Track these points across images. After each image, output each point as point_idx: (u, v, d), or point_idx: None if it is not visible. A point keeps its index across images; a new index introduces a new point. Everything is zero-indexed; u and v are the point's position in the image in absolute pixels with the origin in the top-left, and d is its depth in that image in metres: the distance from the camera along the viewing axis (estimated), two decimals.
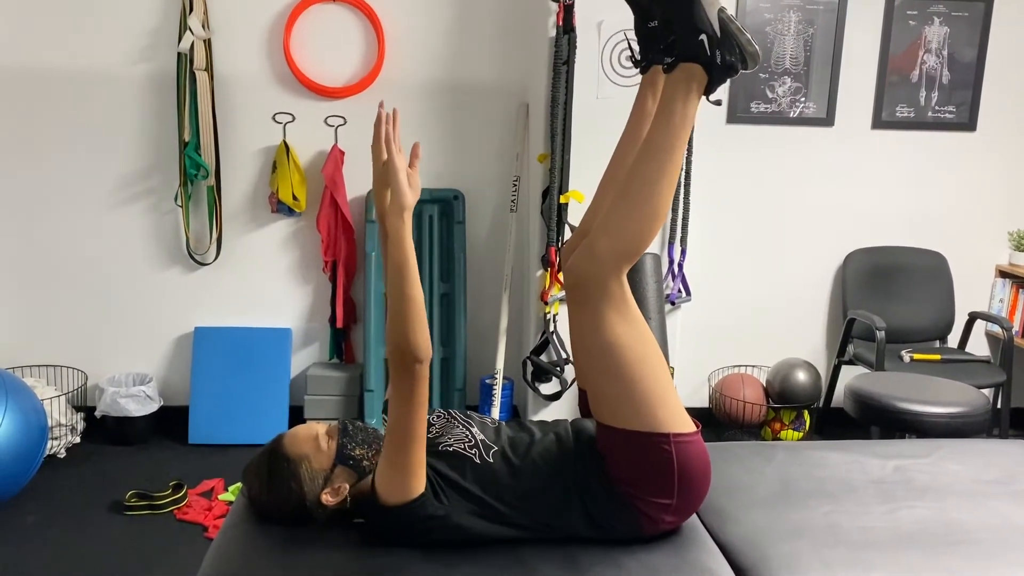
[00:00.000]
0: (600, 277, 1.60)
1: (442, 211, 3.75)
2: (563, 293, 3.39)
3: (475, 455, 1.66)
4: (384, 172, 1.75)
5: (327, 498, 1.63)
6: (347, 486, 1.64)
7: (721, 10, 1.59)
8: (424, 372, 1.51)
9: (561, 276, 3.34)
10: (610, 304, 1.61)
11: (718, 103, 1.67)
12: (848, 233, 3.93)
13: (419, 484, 1.56)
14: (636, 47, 1.70)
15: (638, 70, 1.72)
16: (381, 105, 1.71)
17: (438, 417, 1.80)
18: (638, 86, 3.46)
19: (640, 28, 1.68)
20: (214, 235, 3.65)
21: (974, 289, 4.05)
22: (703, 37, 1.57)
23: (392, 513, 1.57)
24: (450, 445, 1.69)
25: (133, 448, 3.56)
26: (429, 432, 1.72)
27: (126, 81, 3.54)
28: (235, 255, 3.71)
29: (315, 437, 1.66)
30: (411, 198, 1.59)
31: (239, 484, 3.21)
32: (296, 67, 3.56)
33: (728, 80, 1.63)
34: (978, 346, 4.07)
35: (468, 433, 1.72)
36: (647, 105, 1.81)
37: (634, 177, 1.61)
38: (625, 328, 1.62)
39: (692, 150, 3.59)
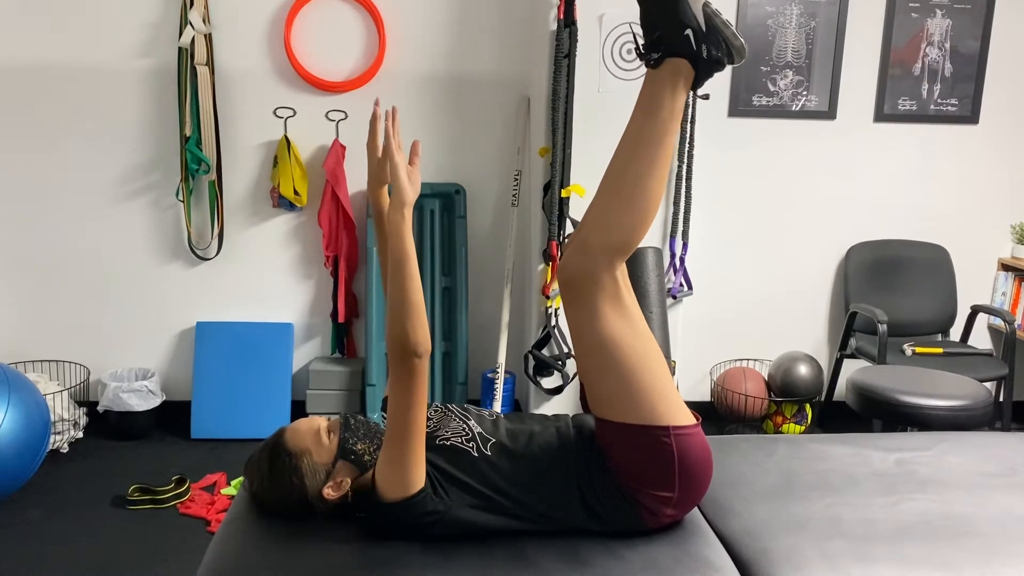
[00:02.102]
0: (593, 272, 1.60)
1: (443, 205, 3.75)
2: (558, 288, 3.38)
3: (472, 448, 1.67)
4: (380, 169, 1.77)
5: (328, 492, 1.63)
6: (348, 480, 1.65)
7: (706, 4, 1.58)
8: (424, 367, 1.51)
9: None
10: (604, 299, 1.61)
11: (706, 98, 1.67)
12: (850, 226, 3.92)
13: (419, 479, 1.57)
14: (641, 39, 1.69)
15: (642, 62, 1.71)
16: (376, 103, 1.72)
17: (435, 411, 1.80)
18: (639, 80, 3.47)
19: (644, 21, 1.67)
20: (215, 230, 3.65)
21: (976, 282, 4.04)
22: (688, 32, 1.57)
23: (393, 509, 1.57)
24: (447, 439, 1.69)
25: (135, 443, 3.57)
26: (426, 427, 1.72)
27: (127, 76, 3.54)
28: (237, 250, 3.71)
29: (316, 431, 1.66)
30: (411, 194, 1.59)
31: (241, 478, 3.21)
32: (297, 62, 3.55)
33: (715, 74, 1.63)
34: (980, 339, 4.07)
35: (465, 426, 1.72)
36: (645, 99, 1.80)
37: (625, 172, 1.61)
38: (621, 323, 1.62)
39: (694, 144, 3.58)
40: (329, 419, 1.71)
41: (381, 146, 1.75)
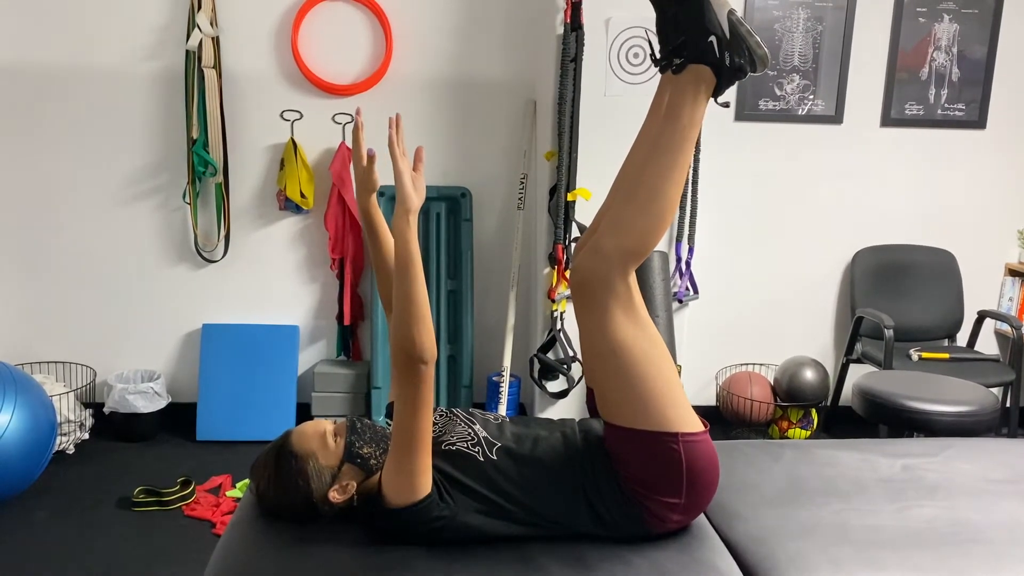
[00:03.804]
0: (606, 276, 1.60)
1: (449, 209, 3.75)
2: (570, 291, 3.38)
3: (478, 452, 1.66)
4: (366, 178, 1.76)
5: (334, 496, 1.63)
6: (354, 484, 1.64)
7: (731, 12, 1.58)
8: (429, 374, 1.51)
9: (568, 275, 3.33)
10: (617, 304, 1.61)
11: (726, 105, 1.66)
12: (856, 231, 3.92)
13: (425, 486, 1.56)
14: (657, 45, 1.69)
15: (657, 69, 1.71)
16: (358, 113, 1.72)
17: (440, 416, 1.80)
18: (646, 84, 3.47)
19: (661, 26, 1.67)
20: (222, 232, 3.66)
21: (983, 287, 4.03)
22: (712, 39, 1.57)
23: (399, 515, 1.57)
24: (453, 444, 1.68)
25: (141, 444, 3.58)
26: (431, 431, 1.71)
27: (135, 78, 3.55)
28: (243, 252, 3.72)
29: (323, 434, 1.66)
30: (416, 201, 1.59)
31: (247, 480, 3.21)
32: (304, 65, 3.56)
33: (736, 82, 1.63)
34: (987, 345, 4.06)
35: (471, 431, 1.71)
36: (665, 104, 1.79)
37: (642, 178, 1.61)
38: (632, 328, 1.62)
39: (700, 148, 3.58)
40: (335, 422, 1.71)
41: (365, 155, 1.74)
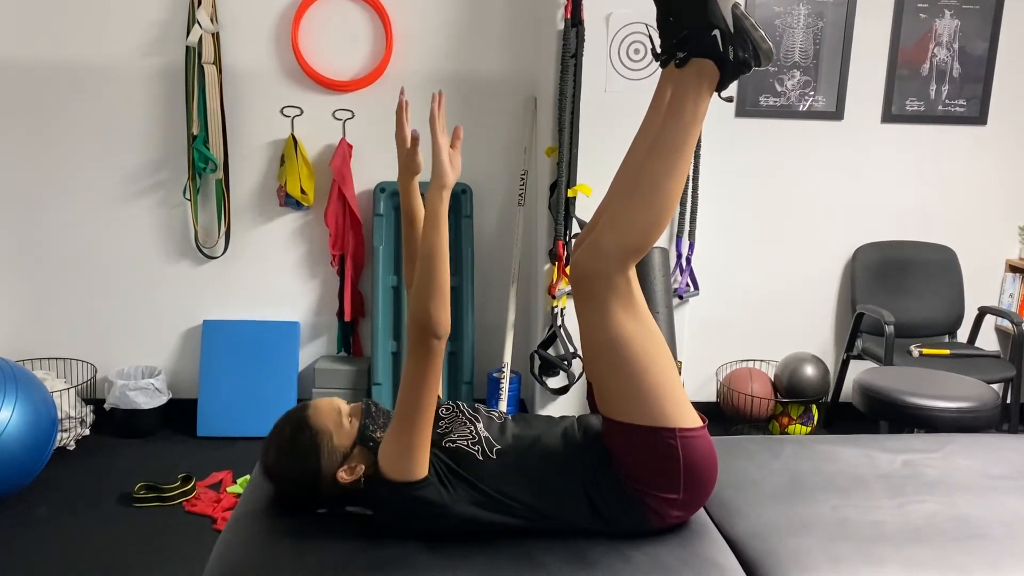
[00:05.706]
0: (606, 273, 1.60)
1: (450, 205, 3.73)
2: (570, 287, 3.38)
3: (477, 451, 1.66)
4: (410, 160, 1.78)
5: (342, 475, 1.62)
6: (363, 467, 1.63)
7: (735, 6, 1.57)
8: (440, 349, 1.52)
9: (568, 271, 3.34)
10: (616, 300, 1.61)
11: (730, 100, 1.66)
12: (857, 227, 3.92)
13: (422, 464, 1.56)
14: (657, 40, 1.68)
15: (658, 63, 1.70)
16: (402, 92, 1.72)
17: (447, 410, 1.79)
18: (646, 79, 3.47)
19: (661, 21, 1.67)
20: (222, 228, 3.65)
21: (984, 284, 4.03)
22: (716, 33, 1.56)
23: (395, 489, 1.57)
24: (454, 441, 1.68)
25: (142, 440, 3.58)
26: (438, 426, 1.72)
27: (135, 75, 3.55)
28: (243, 248, 3.72)
29: (338, 413, 1.66)
30: (452, 177, 1.61)
31: (247, 476, 3.22)
32: (304, 61, 3.56)
33: (739, 77, 1.62)
34: (987, 341, 4.06)
35: (473, 430, 1.71)
36: (666, 99, 1.79)
37: (643, 173, 1.60)
38: (631, 324, 1.61)
39: (700, 144, 3.58)
40: (351, 404, 1.70)
41: (409, 136, 1.75)
